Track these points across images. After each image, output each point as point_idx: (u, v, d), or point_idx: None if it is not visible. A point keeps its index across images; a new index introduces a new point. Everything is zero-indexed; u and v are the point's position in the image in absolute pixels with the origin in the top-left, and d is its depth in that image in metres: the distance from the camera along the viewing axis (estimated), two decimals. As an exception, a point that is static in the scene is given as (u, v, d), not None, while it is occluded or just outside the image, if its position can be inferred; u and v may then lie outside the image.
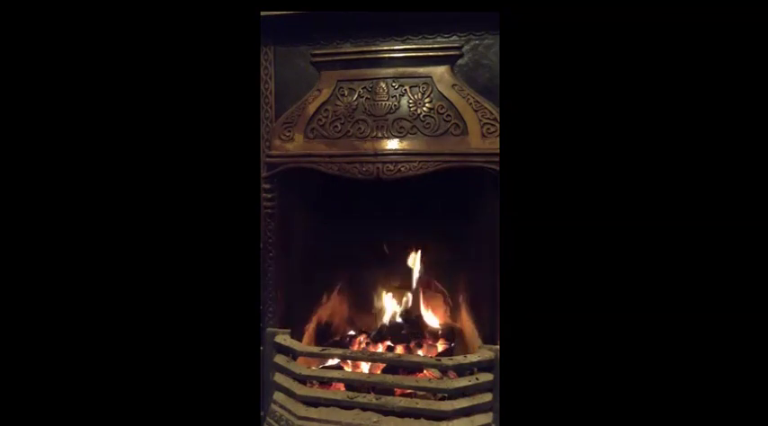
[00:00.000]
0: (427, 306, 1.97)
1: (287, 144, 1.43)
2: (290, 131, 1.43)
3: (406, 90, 1.36)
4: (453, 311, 1.92)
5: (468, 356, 1.38)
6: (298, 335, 1.58)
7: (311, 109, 1.42)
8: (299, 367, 1.43)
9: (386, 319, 1.91)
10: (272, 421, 1.40)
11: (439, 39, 1.37)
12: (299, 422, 1.33)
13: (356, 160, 1.37)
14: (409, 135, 1.35)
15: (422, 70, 1.36)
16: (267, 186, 1.48)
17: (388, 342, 1.73)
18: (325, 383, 1.43)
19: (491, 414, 1.31)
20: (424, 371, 1.46)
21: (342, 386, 1.41)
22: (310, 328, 1.73)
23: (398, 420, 1.29)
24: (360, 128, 1.38)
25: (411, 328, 1.84)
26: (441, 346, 1.76)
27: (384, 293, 1.96)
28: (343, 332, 1.92)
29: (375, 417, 1.30)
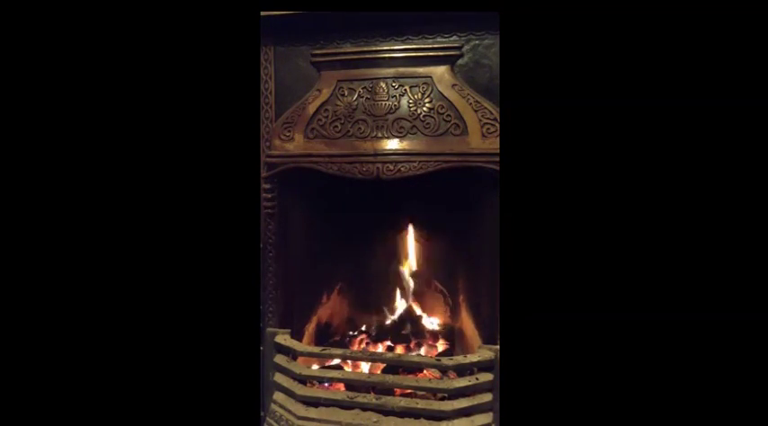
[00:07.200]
0: (427, 306, 1.98)
1: (287, 144, 1.44)
2: (290, 131, 1.43)
3: (406, 90, 1.36)
4: (453, 311, 1.92)
5: (469, 356, 1.38)
6: (298, 335, 1.58)
7: (311, 109, 1.42)
8: (299, 367, 1.43)
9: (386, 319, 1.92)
10: (272, 421, 1.40)
11: (439, 39, 1.37)
12: (299, 422, 1.33)
13: (356, 160, 1.37)
14: (409, 135, 1.35)
15: (422, 70, 1.36)
16: (267, 186, 1.48)
17: (388, 342, 1.74)
18: (325, 383, 1.43)
19: (491, 414, 1.31)
20: (424, 371, 1.46)
21: (342, 386, 1.41)
22: (310, 328, 1.74)
23: (398, 420, 1.29)
24: (360, 128, 1.38)
25: (411, 328, 1.84)
26: (441, 346, 1.76)
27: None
28: (343, 332, 1.92)
29: (375, 417, 1.30)
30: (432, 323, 1.93)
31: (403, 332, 1.80)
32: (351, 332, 1.90)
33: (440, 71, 1.35)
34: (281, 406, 1.40)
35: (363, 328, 1.92)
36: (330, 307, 1.90)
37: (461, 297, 1.82)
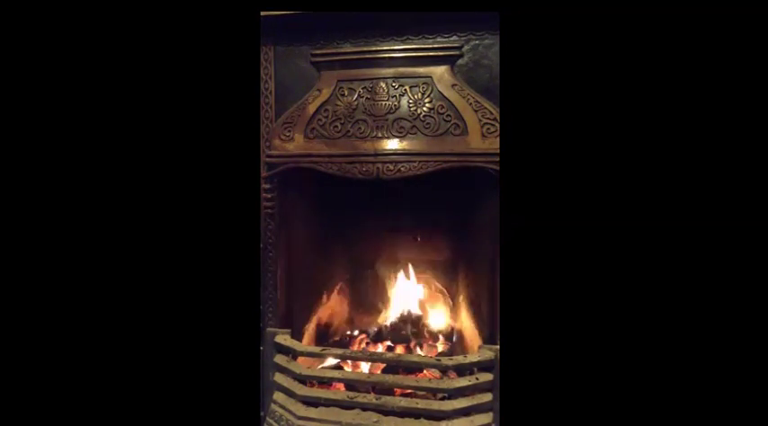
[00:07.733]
0: (427, 306, 1.98)
1: (287, 144, 1.44)
2: (290, 131, 1.43)
3: (406, 90, 1.36)
4: (453, 311, 1.92)
5: (468, 356, 1.38)
6: (298, 335, 1.58)
7: (311, 109, 1.42)
8: (299, 367, 1.43)
9: (386, 319, 1.92)
10: (272, 421, 1.40)
11: (439, 39, 1.37)
12: (299, 422, 1.33)
13: (356, 160, 1.37)
14: (409, 135, 1.35)
15: (422, 70, 1.36)
16: (267, 186, 1.48)
17: (388, 342, 1.74)
18: (325, 383, 1.43)
19: (491, 414, 1.31)
20: (424, 371, 1.46)
21: (342, 386, 1.41)
22: (310, 328, 1.74)
23: (398, 420, 1.29)
24: (360, 128, 1.38)
25: (411, 328, 1.84)
26: (441, 346, 1.76)
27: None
28: (343, 332, 1.92)
29: (375, 417, 1.30)
30: (432, 323, 1.93)
31: (403, 332, 1.80)
32: (350, 333, 1.91)
33: (440, 71, 1.35)
34: (281, 406, 1.40)
35: (363, 328, 1.93)
36: (330, 307, 1.90)
37: (461, 297, 1.83)
